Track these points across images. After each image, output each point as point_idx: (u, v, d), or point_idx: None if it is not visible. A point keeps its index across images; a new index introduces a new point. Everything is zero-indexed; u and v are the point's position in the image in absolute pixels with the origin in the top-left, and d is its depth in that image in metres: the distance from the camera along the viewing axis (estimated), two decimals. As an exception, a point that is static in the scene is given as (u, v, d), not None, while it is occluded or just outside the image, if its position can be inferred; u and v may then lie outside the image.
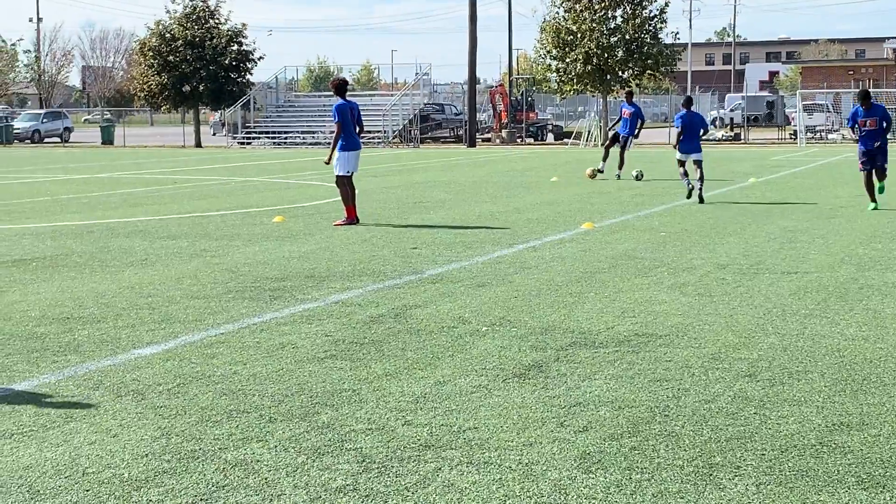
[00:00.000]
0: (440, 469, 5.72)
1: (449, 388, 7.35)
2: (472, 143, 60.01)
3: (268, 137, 62.85)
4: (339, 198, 18.20)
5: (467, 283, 11.66)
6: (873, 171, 19.32)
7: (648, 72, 60.72)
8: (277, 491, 5.42)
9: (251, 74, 66.43)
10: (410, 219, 18.39)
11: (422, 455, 5.94)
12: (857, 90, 24.54)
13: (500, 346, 8.62)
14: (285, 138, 62.29)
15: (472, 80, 62.56)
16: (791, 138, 58.26)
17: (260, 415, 6.73)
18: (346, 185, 17.90)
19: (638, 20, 59.10)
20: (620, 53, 59.00)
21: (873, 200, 19.26)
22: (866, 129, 19.28)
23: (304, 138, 61.88)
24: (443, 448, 6.06)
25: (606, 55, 58.61)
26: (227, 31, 64.36)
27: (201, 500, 5.30)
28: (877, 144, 19.23)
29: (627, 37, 58.93)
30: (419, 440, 6.20)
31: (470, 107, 61.19)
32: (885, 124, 19.38)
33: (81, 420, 6.64)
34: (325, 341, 8.82)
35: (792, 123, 62.85)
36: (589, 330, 9.20)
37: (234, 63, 64.24)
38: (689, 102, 22.10)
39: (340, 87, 18.02)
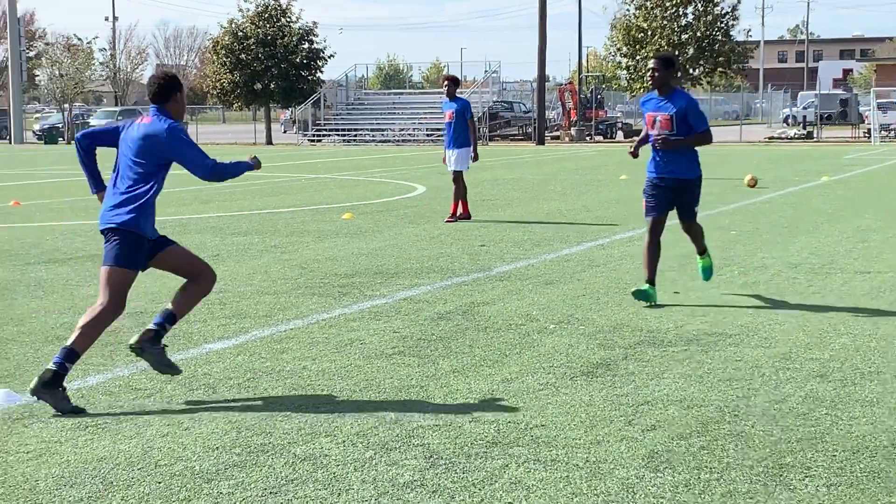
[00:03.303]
0: (507, 466, 5.73)
1: (516, 385, 7.36)
2: (540, 141, 59.86)
3: (338, 135, 63.16)
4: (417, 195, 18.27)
5: (535, 280, 11.66)
6: None
7: (720, 69, 60.25)
8: (345, 485, 5.46)
9: (322, 72, 66.90)
10: (479, 216, 18.40)
11: (489, 452, 5.96)
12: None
13: (567, 343, 8.61)
14: (355, 136, 62.55)
15: (542, 77, 62.43)
16: (865, 137, 57.49)
17: (329, 410, 6.78)
18: (462, 180, 18.15)
19: (709, 17, 58.70)
20: (692, 51, 58.61)
21: None
22: None
23: (373, 136, 62.10)
24: (510, 445, 6.07)
25: (677, 52, 58.19)
26: (299, 29, 64.84)
27: (270, 493, 5.35)
28: None
29: (699, 34, 58.53)
30: (486, 437, 6.21)
31: (539, 104, 61.04)
32: None
33: (154, 413, 6.73)
34: (393, 338, 8.86)
35: (866, 122, 61.98)
36: (658, 328, 9.16)
37: (304, 61, 64.70)
38: None
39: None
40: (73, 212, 20.11)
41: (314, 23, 65.86)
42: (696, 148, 10.38)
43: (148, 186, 7.13)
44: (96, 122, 75.11)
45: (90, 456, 5.90)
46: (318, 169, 35.50)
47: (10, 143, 66.99)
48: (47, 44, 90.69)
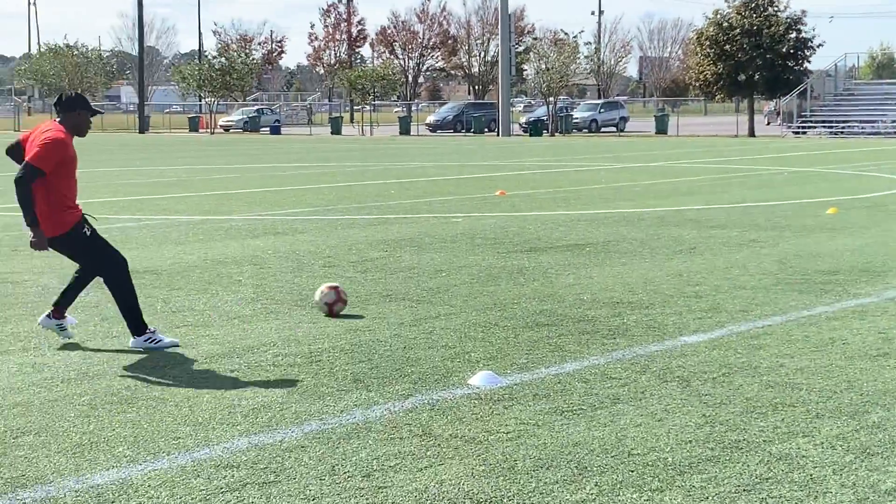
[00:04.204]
0: None
1: None
2: None
3: (824, 126, 61.17)
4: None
5: None
6: None
7: None
8: (823, 488, 5.28)
9: (809, 62, 65.07)
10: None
11: (981, 465, 5.56)
12: None
13: None
14: (843, 128, 60.33)
15: None
16: None
17: (806, 409, 6.58)
18: None
19: None
20: None
21: None
22: None
23: (862, 128, 59.63)
24: None
25: None
26: (786, 18, 63.38)
27: (744, 490, 5.27)
28: None
29: None
30: (979, 449, 5.80)
31: None
32: None
33: (628, 402, 6.81)
34: (878, 339, 8.46)
35: None
36: None
37: (791, 51, 63.17)
38: None
39: None
40: (555, 202, 20.72)
41: (803, 11, 64.23)
42: None
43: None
44: (579, 114, 77.19)
45: (566, 440, 6.05)
46: (802, 162, 34.54)
47: (499, 135, 70.05)
48: (535, 38, 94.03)
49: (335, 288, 9.75)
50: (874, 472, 5.50)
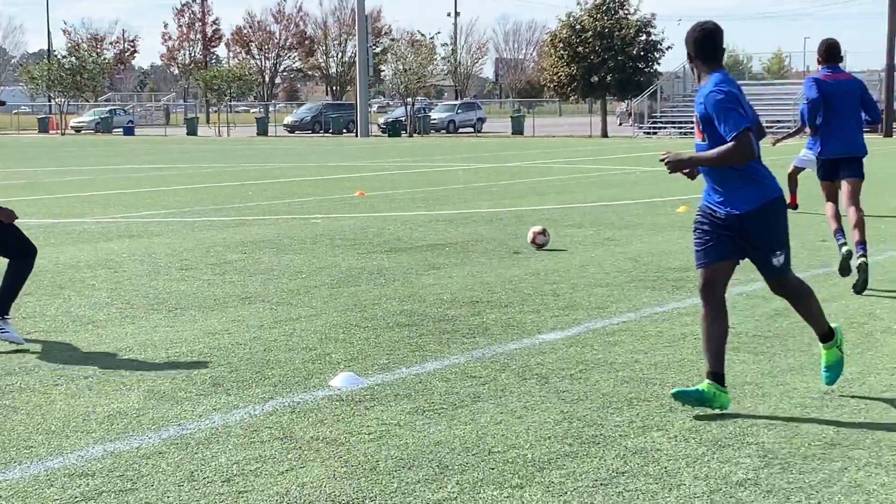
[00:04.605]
0: (846, 469, 5.52)
1: (857, 385, 7.07)
2: (888, 133, 57.25)
3: (674, 127, 62.55)
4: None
5: (878, 277, 11.16)
6: None
7: None
8: (677, 481, 5.41)
9: (659, 64, 66.42)
10: (819, 209, 17.77)
11: (827, 453, 5.76)
12: None
13: (914, 345, 8.20)
14: (691, 128, 61.61)
15: (891, 66, 59.58)
16: None
17: (660, 404, 6.73)
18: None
19: None
20: None
21: None
22: None
23: (711, 128, 61.05)
24: (850, 447, 5.84)
25: None
26: (636, 21, 64.60)
27: (601, 484, 5.37)
28: None
29: None
30: (824, 438, 6.01)
31: (887, 94, 58.34)
32: None
33: (488, 400, 6.88)
34: (728, 333, 8.68)
35: None
36: None
37: (641, 53, 64.39)
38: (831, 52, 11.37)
39: None
40: (414, 202, 20.79)
41: (652, 14, 65.59)
42: None
43: None
44: (437, 115, 77.54)
45: (427, 440, 6.09)
46: (652, 162, 35.25)
47: (357, 136, 69.96)
48: (392, 40, 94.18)
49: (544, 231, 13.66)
50: (725, 463, 5.65)
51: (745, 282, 11.05)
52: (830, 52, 11.20)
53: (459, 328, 9.02)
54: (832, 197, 11.45)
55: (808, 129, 11.93)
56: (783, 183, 18.18)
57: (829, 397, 6.80)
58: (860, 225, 10.91)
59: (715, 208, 6.57)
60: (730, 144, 6.29)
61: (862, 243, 10.74)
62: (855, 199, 11.10)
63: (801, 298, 6.73)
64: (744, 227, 6.45)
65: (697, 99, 6.56)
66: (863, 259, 10.50)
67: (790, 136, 16.53)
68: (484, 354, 8.11)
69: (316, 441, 6.06)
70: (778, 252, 6.50)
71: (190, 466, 5.66)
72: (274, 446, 5.97)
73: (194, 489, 5.34)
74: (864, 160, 11.27)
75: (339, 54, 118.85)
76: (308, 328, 9.08)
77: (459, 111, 79.04)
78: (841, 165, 11.17)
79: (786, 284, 6.66)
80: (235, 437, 6.13)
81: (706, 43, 6.56)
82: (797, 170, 18.36)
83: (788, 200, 17.88)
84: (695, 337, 8.56)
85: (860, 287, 10.31)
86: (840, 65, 11.32)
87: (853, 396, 6.83)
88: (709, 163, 6.42)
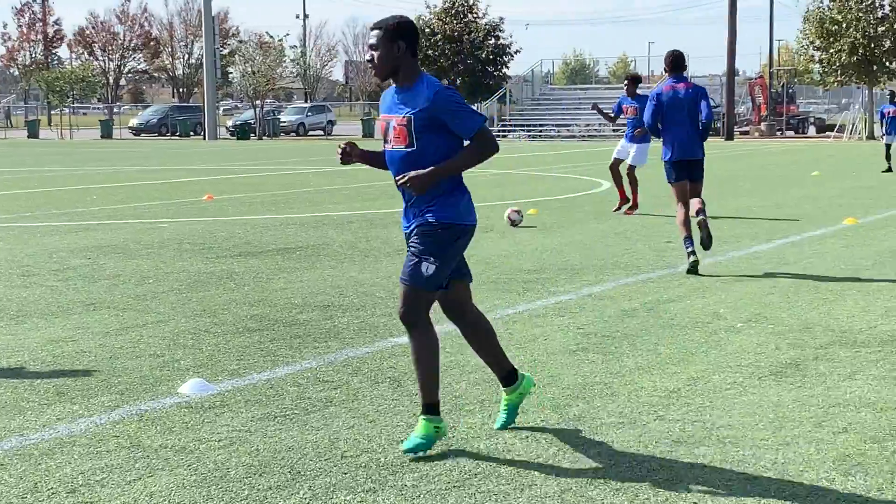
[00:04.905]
0: (692, 466, 5.64)
1: (702, 384, 7.23)
2: (729, 137, 58.87)
3: (523, 130, 63.27)
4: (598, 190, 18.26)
5: (723, 278, 11.45)
6: None
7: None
8: (528, 481, 5.45)
9: (507, 68, 67.17)
10: (665, 212, 18.17)
11: (674, 451, 5.87)
12: None
13: (756, 343, 8.42)
14: (540, 131, 62.53)
15: (731, 71, 61.36)
16: None
17: (512, 405, 6.77)
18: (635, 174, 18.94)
19: (908, 8, 56.70)
20: (888, 44, 56.74)
21: None
22: None
23: (558, 131, 62.00)
24: (695, 445, 5.97)
25: (873, 45, 56.50)
26: (485, 25, 65.19)
27: (455, 486, 5.38)
28: None
29: (896, 26, 56.63)
30: (671, 436, 6.13)
31: (728, 99, 60.05)
32: None
33: (340, 405, 6.84)
34: (577, 334, 8.81)
35: None
36: (850, 329, 8.89)
37: (490, 57, 65.00)
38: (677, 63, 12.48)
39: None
40: (264, 206, 20.61)
41: (501, 18, 66.33)
42: None
43: None
44: (287, 118, 77.08)
45: (279, 445, 6.03)
46: (504, 164, 35.58)
47: (205, 138, 69.07)
48: (240, 41, 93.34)
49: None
50: (576, 463, 5.72)
51: (595, 283, 11.22)
52: (676, 63, 12.43)
53: (311, 332, 8.96)
54: (682, 198, 12.21)
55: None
56: (609, 180, 18.65)
57: (676, 396, 6.94)
58: (701, 203, 12.14)
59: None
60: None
61: (702, 210, 12.05)
62: (697, 193, 12.25)
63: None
64: None
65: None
66: (702, 217, 11.98)
67: (606, 116, 19.28)
68: (336, 358, 8.07)
69: (164, 449, 5.95)
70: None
71: (33, 478, 5.50)
72: (121, 455, 5.85)
73: (38, 501, 5.20)
74: (703, 161, 12.37)
75: (186, 56, 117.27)
76: (156, 334, 8.91)
77: (309, 114, 78.65)
78: (683, 167, 12.18)
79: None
80: (80, 447, 5.98)
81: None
82: (617, 161, 18.98)
83: (619, 196, 18.53)
84: (545, 338, 8.66)
85: (706, 243, 11.99)
86: (685, 73, 12.56)
87: (698, 395, 6.98)
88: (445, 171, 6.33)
